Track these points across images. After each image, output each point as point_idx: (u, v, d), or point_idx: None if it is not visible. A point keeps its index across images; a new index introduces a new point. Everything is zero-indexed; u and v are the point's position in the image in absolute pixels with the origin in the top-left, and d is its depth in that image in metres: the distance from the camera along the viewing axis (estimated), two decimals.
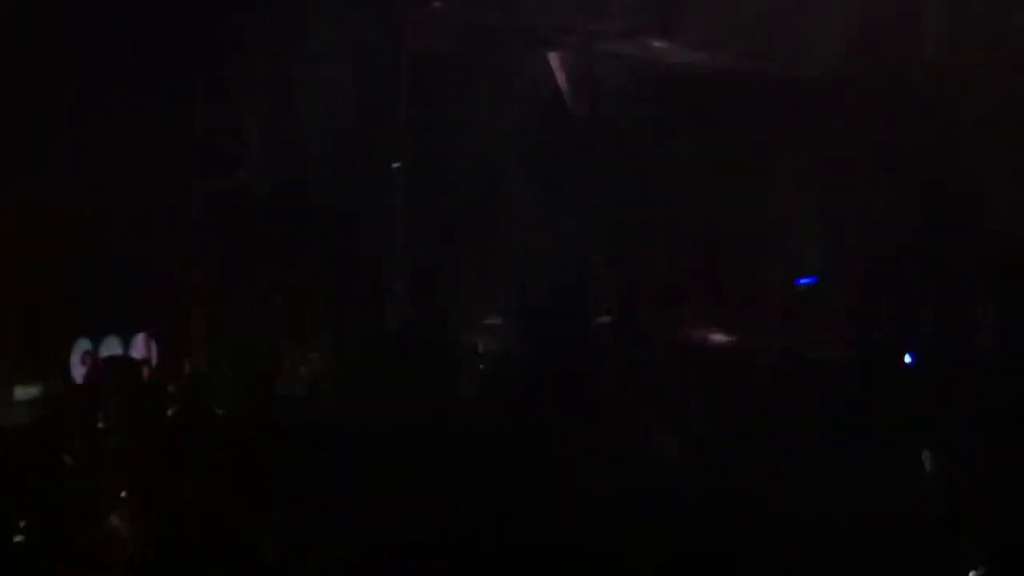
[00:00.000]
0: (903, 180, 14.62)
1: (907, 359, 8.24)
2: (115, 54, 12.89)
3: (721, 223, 15.41)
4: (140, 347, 13.16)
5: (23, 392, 12.00)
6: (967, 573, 6.04)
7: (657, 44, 14.81)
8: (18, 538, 6.27)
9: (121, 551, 6.30)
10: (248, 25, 13.88)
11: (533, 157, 15.44)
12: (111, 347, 13.16)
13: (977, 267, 12.80)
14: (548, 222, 15.16)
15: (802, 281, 14.04)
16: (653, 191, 15.64)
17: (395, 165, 13.68)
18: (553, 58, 14.92)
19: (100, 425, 7.95)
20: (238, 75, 14.21)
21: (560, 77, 14.90)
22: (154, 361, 12.96)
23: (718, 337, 7.80)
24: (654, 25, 14.77)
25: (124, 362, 12.07)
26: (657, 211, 15.88)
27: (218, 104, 14.26)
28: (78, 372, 12.79)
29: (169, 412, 9.18)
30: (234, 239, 14.29)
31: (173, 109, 13.65)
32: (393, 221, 13.74)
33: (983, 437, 6.62)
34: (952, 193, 14.30)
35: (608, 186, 15.21)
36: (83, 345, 13.20)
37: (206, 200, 14.32)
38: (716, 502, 5.94)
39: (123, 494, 6.72)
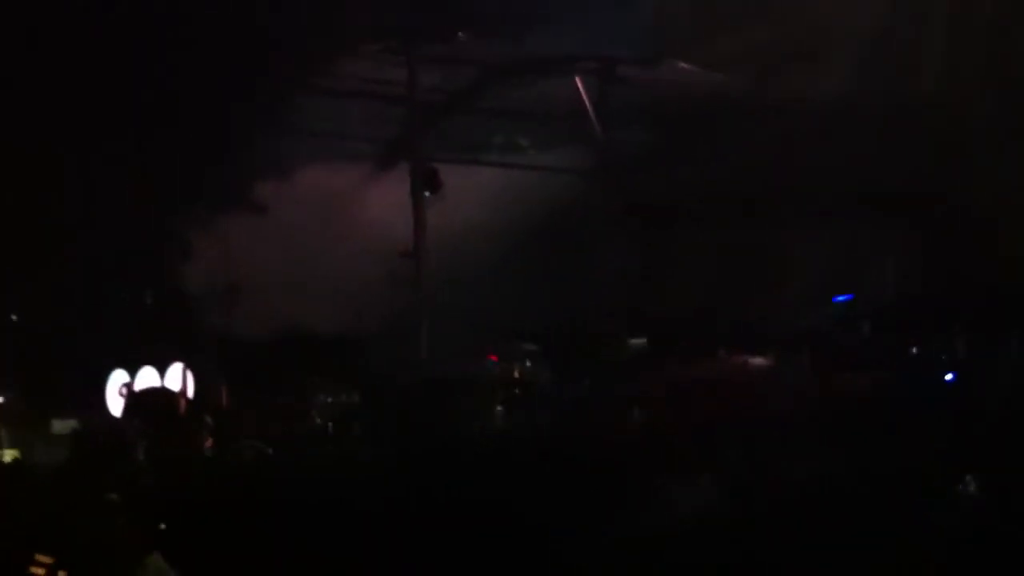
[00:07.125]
0: (922, 206, 14.56)
1: (947, 378, 8.21)
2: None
3: (741, 251, 15.31)
4: (176, 378, 13.12)
5: (61, 426, 12.00)
6: None
7: (672, 69, 14.81)
8: None
9: None
10: None
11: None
12: (147, 379, 13.13)
13: (1004, 287, 12.73)
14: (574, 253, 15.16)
15: (839, 299, 13.98)
16: (671, 221, 15.57)
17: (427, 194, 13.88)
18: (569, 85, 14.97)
19: (139, 458, 7.95)
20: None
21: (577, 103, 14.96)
22: (190, 392, 12.93)
23: (747, 371, 7.75)
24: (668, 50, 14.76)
25: (161, 394, 12.12)
26: (674, 240, 15.78)
27: None
28: (115, 405, 12.79)
29: (207, 444, 9.22)
30: None
31: None
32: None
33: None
34: (967, 217, 14.24)
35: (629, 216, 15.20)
36: (120, 377, 13.17)
37: None
38: (751, 542, 5.89)
39: (162, 527, 6.71)
